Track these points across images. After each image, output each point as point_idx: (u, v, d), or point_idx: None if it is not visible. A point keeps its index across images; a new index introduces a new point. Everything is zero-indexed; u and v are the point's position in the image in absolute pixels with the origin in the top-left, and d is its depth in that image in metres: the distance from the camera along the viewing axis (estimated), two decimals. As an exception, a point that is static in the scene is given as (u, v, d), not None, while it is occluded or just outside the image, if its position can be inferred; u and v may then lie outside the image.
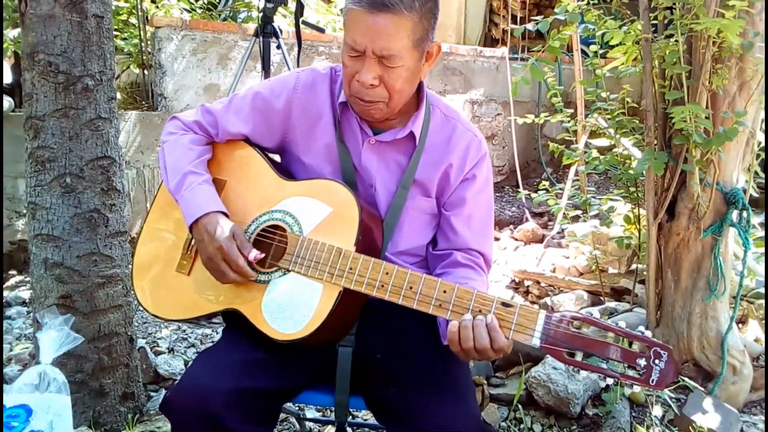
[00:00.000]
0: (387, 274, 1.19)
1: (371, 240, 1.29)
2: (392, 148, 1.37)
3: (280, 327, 1.22)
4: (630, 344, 1.06)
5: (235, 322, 1.31)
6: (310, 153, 1.39)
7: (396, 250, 1.37)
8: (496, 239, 4.15)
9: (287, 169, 1.44)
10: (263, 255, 1.28)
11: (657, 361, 1.04)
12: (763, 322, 2.59)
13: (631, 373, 1.05)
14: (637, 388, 1.06)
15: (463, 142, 1.38)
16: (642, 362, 1.04)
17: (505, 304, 1.12)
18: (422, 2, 1.20)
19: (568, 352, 1.07)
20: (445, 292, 1.16)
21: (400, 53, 1.21)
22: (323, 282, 1.22)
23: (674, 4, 2.01)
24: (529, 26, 2.25)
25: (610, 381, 1.07)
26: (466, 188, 1.38)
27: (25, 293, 3.06)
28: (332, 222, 1.27)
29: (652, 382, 1.04)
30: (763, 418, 2.16)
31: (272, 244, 1.31)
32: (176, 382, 1.88)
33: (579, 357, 1.06)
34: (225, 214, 1.31)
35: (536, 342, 1.09)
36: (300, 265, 1.25)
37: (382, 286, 1.19)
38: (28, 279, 3.12)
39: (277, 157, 1.48)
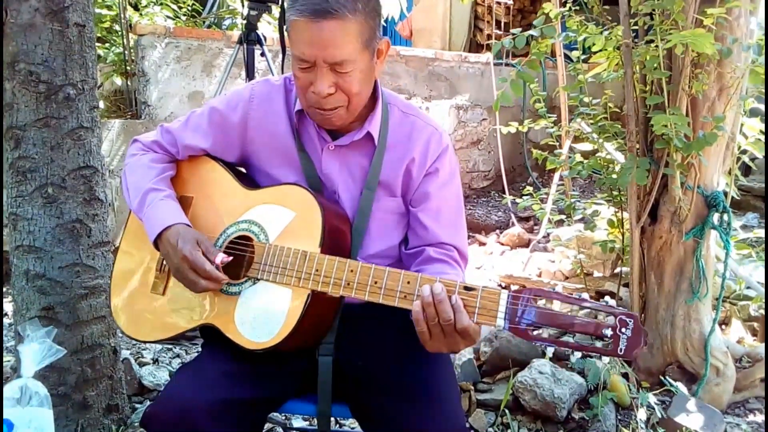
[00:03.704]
0: (352, 271, 1.18)
1: (339, 240, 1.28)
2: (352, 152, 1.36)
3: (253, 336, 1.21)
4: (595, 316, 1.05)
5: (213, 336, 1.30)
6: (272, 164, 1.38)
7: (366, 254, 1.36)
8: (483, 244, 4.16)
9: (253, 180, 1.43)
10: (231, 258, 1.27)
11: (623, 330, 1.02)
12: (747, 323, 2.62)
13: (599, 344, 1.04)
14: (606, 359, 1.05)
15: (424, 137, 1.37)
16: (608, 332, 1.03)
17: (467, 288, 1.11)
18: (365, 2, 1.19)
19: (534, 330, 1.06)
20: (408, 282, 1.15)
21: (351, 57, 1.20)
22: (291, 287, 1.22)
23: (654, 10, 2.03)
24: (506, 42, 2.28)
25: (578, 354, 1.05)
26: (429, 182, 1.36)
27: (6, 305, 3.01)
28: (296, 226, 1.27)
29: (621, 350, 1.02)
30: (747, 419, 2.19)
31: (241, 255, 1.30)
32: (157, 395, 1.86)
33: (546, 334, 1.05)
34: (187, 225, 1.31)
35: (501, 323, 1.07)
36: (268, 273, 1.25)
37: (348, 284, 1.18)
38: (9, 291, 3.08)
39: (242, 169, 1.48)
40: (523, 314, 1.06)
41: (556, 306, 1.06)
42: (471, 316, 1.09)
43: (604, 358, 2.04)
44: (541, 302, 1.07)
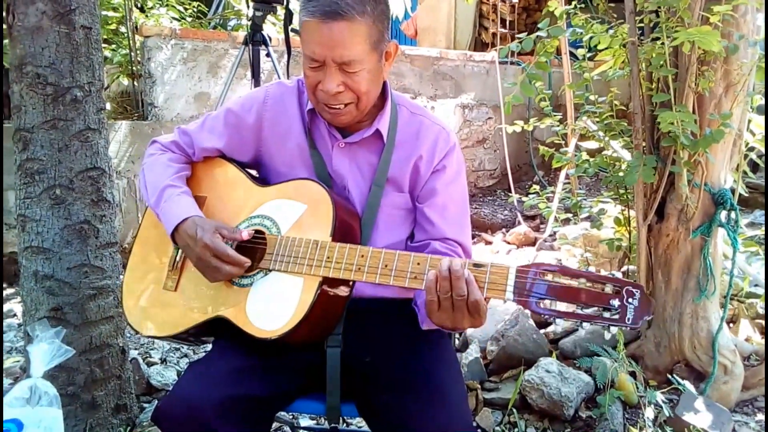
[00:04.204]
0: (362, 256, 1.21)
1: (349, 232, 1.30)
2: (362, 149, 1.39)
3: (265, 325, 1.23)
4: (603, 287, 1.06)
5: (223, 332, 1.32)
6: (284, 163, 1.42)
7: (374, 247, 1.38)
8: (489, 243, 4.16)
9: (265, 179, 1.46)
10: (254, 231, 1.30)
11: (630, 300, 1.04)
12: (755, 321, 2.61)
13: (606, 315, 1.05)
14: (614, 329, 1.06)
15: (432, 135, 1.40)
16: (616, 303, 1.04)
17: (476, 265, 1.13)
18: (374, 5, 1.23)
19: (542, 303, 1.07)
20: (418, 264, 1.17)
21: (359, 58, 1.23)
22: (303, 275, 1.24)
23: (659, 7, 2.03)
24: (513, 46, 2.28)
25: (587, 326, 1.06)
26: (437, 179, 1.40)
27: (15, 306, 3.04)
28: (308, 218, 1.29)
29: (628, 320, 1.04)
30: (755, 417, 2.18)
31: (254, 249, 1.32)
32: (167, 392, 1.88)
33: (553, 306, 1.07)
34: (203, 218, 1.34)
35: (510, 296, 1.09)
36: (280, 263, 1.27)
37: (359, 268, 1.21)
38: (18, 291, 3.10)
39: (254, 172, 1.51)
40: (531, 287, 1.08)
41: (564, 279, 1.08)
42: (480, 291, 1.11)
43: (611, 357, 2.02)
44: (549, 276, 1.08)
